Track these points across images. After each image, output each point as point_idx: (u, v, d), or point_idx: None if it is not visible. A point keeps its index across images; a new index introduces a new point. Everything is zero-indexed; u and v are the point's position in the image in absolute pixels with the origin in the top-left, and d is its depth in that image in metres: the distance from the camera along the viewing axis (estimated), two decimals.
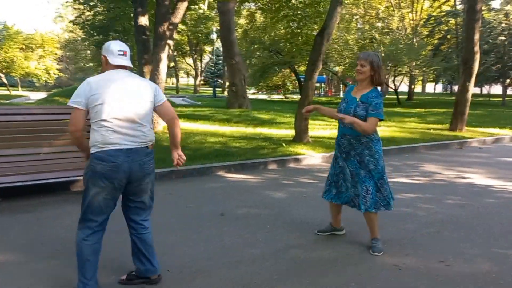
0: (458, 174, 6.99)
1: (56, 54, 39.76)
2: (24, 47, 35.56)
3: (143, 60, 10.45)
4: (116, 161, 2.72)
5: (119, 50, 2.86)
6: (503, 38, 27.03)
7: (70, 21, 26.05)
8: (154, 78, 9.86)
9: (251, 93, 38.38)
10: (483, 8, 20.33)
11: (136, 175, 2.83)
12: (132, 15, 13.37)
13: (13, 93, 35.48)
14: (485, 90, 40.12)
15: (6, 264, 3.33)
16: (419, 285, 3.10)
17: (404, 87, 42.19)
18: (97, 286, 2.84)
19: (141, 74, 10.46)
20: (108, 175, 2.72)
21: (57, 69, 40.09)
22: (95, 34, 23.03)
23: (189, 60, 48.26)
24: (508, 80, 29.43)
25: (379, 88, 3.73)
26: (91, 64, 37.25)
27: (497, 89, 38.05)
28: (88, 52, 38.63)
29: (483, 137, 11.09)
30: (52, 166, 4.91)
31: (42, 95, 31.09)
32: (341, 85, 42.31)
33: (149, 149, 2.92)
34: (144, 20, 10.49)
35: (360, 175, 3.67)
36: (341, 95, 43.80)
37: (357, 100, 3.61)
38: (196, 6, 23.28)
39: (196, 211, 4.76)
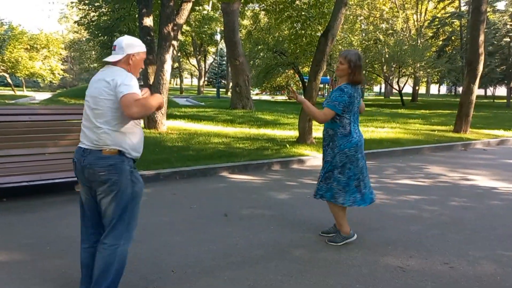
0: (463, 176, 6.97)
1: (61, 54, 39.85)
2: (29, 47, 35.67)
3: (147, 61, 10.47)
4: (74, 157, 2.71)
5: (113, 46, 2.72)
6: (508, 39, 26.97)
7: (75, 22, 26.16)
8: (158, 78, 9.90)
9: (255, 94, 38.41)
10: (488, 9, 20.28)
11: (88, 178, 2.62)
12: (137, 16, 13.42)
13: (18, 93, 35.64)
14: (490, 91, 40.04)
15: (11, 263, 3.35)
16: (423, 287, 3.10)
17: (408, 89, 42.10)
18: None
19: (146, 74, 10.49)
20: (74, 170, 2.75)
21: (62, 70, 40.19)
22: (100, 34, 23.10)
23: (193, 61, 48.37)
24: None
25: (358, 85, 3.80)
26: (95, 64, 37.33)
27: (501, 90, 37.96)
28: (93, 52, 38.73)
29: (488, 139, 11.06)
30: (57, 166, 4.94)
31: (47, 95, 31.21)
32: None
33: (102, 153, 2.57)
34: (148, 21, 10.51)
35: (325, 164, 3.90)
36: None
37: (327, 95, 3.89)
38: (200, 7, 23.35)
39: (200, 212, 4.77)
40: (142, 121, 2.80)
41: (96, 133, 2.56)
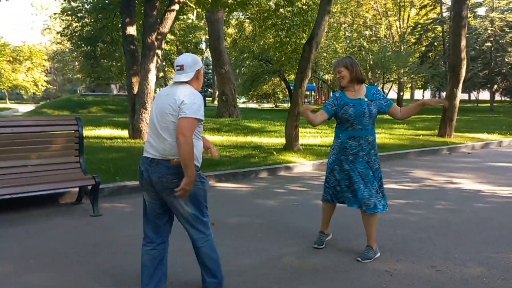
0: (448, 179, 7.04)
1: (44, 66, 39.55)
2: (11, 59, 35.30)
3: (131, 71, 10.42)
4: (141, 167, 2.88)
5: (176, 66, 2.84)
6: (489, 44, 27.46)
7: (58, 33, 25.93)
8: (142, 88, 9.85)
9: (242, 102, 38.47)
10: (469, 15, 20.64)
11: (157, 186, 2.80)
12: (120, 25, 13.36)
13: (1, 105, 35.17)
14: (473, 96, 40.67)
15: None
16: None
17: (393, 94, 42.54)
18: None
19: (130, 84, 10.43)
20: (139, 178, 2.93)
21: (45, 81, 39.84)
22: (83, 45, 22.91)
23: None
24: (495, 86, 29.85)
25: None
26: (79, 75, 36.99)
27: (485, 95, 38.59)
28: (76, 63, 38.41)
29: (472, 142, 11.20)
30: (41, 178, 4.85)
31: (30, 107, 30.85)
32: (331, 93, 42.57)
33: (170, 163, 2.75)
34: (132, 31, 10.47)
35: (368, 176, 3.69)
36: None
37: (366, 100, 3.71)
38: (184, 16, 23.34)
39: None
40: (201, 134, 2.91)
41: (162, 144, 2.76)
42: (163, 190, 2.78)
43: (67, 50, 42.59)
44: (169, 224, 3.05)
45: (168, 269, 3.06)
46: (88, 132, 11.34)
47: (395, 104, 3.79)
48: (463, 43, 11.66)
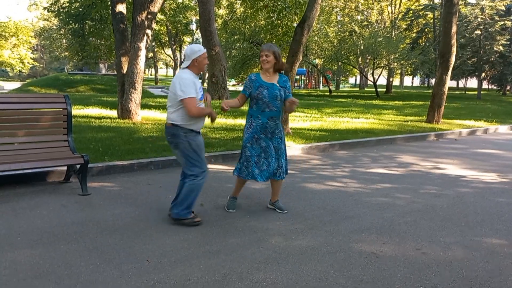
0: (435, 165, 7.13)
1: (30, 43, 38.75)
2: None
3: (120, 50, 10.27)
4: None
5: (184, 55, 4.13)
6: (479, 32, 27.56)
7: (45, 8, 25.35)
8: (132, 68, 9.72)
9: (231, 85, 38.26)
10: (460, 2, 20.65)
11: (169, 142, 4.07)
12: (109, 3, 13.12)
13: None
14: (461, 83, 40.97)
15: None
16: (396, 272, 3.16)
17: (382, 80, 42.67)
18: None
19: (119, 64, 10.29)
20: None
21: (31, 59, 39.11)
22: (70, 22, 22.46)
23: (168, 51, 47.75)
24: (483, 74, 30.07)
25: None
26: (66, 53, 36.35)
27: (473, 82, 38.91)
28: (64, 41, 37.72)
29: (459, 129, 11.33)
30: (27, 156, 4.79)
31: (16, 85, 30.37)
32: (321, 78, 42.53)
33: (166, 125, 4.01)
34: (121, 8, 10.29)
35: (281, 149, 4.36)
36: (321, 87, 44.07)
37: (278, 85, 4.23)
38: None
39: None
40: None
41: (168, 113, 3.99)
42: (171, 143, 4.07)
43: (54, 27, 41.78)
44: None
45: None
46: (76, 111, 11.21)
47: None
48: (454, 30, 11.68)
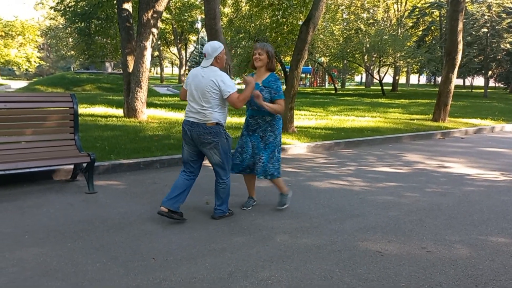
0: (440, 163, 7.11)
1: (36, 41, 38.94)
2: (3, 34, 34.73)
3: (126, 49, 10.31)
4: (184, 127, 4.03)
5: (203, 53, 3.97)
6: (485, 30, 27.36)
7: (51, 8, 25.46)
8: (138, 66, 9.76)
9: (237, 83, 38.27)
10: (466, 0, 20.54)
11: (196, 141, 3.96)
12: (115, 2, 13.15)
13: None
14: (468, 81, 40.73)
15: None
16: (401, 271, 3.16)
17: (388, 78, 42.52)
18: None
19: (125, 62, 10.34)
20: (182, 136, 4.09)
21: (38, 57, 39.30)
22: (77, 21, 22.53)
23: (174, 50, 47.77)
24: (490, 72, 29.88)
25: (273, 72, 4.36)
26: (72, 52, 36.48)
27: (479, 80, 38.67)
28: (70, 40, 37.89)
29: (465, 127, 11.28)
30: (34, 155, 4.83)
31: (23, 83, 30.54)
32: (326, 76, 42.44)
33: (207, 125, 3.89)
34: (127, 7, 10.33)
35: (259, 147, 4.28)
36: (327, 86, 43.98)
37: (260, 85, 4.19)
38: None
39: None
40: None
41: (202, 112, 3.89)
42: (201, 143, 3.94)
43: (60, 26, 41.93)
44: (199, 168, 4.20)
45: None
46: (82, 110, 11.27)
47: (280, 100, 4.23)
48: (460, 28, 11.63)
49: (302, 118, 11.83)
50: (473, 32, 27.46)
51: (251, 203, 4.60)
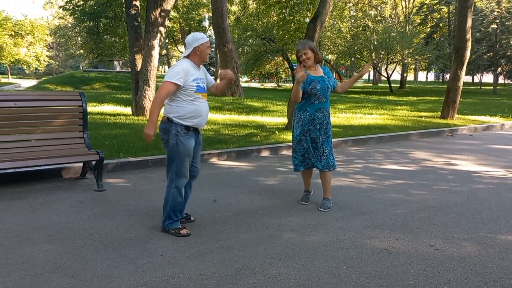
0: (449, 161, 7.07)
1: (46, 40, 39.20)
2: (13, 33, 35.01)
3: (134, 48, 10.36)
4: None
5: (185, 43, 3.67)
6: (495, 26, 27.11)
7: (60, 7, 25.63)
8: (146, 65, 9.80)
9: (244, 81, 38.27)
10: None
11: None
12: (123, 1, 13.22)
13: (3, 80, 35.13)
14: (477, 78, 40.39)
15: (0, 249, 3.34)
16: (409, 269, 3.16)
17: (396, 76, 42.28)
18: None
19: (133, 61, 10.39)
20: None
21: (47, 56, 39.58)
22: (85, 20, 22.68)
23: (181, 48, 47.83)
24: (499, 69, 29.60)
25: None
26: (81, 51, 36.69)
27: (488, 77, 38.33)
28: (79, 38, 38.13)
29: (474, 124, 11.20)
30: (44, 153, 4.88)
31: (32, 82, 30.79)
32: (334, 73, 42.29)
33: (161, 119, 3.62)
34: (135, 6, 10.37)
35: (322, 141, 4.42)
36: None
37: (325, 77, 4.40)
38: None
39: (189, 197, 4.77)
40: (199, 98, 3.65)
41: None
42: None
43: (69, 25, 42.17)
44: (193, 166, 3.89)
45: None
46: (91, 108, 11.35)
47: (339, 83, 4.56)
48: (469, 24, 11.52)
49: None
50: (482, 29, 27.21)
51: (309, 196, 4.75)
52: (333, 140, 8.12)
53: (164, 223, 3.73)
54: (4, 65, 39.45)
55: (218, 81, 4.09)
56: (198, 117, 3.63)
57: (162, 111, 3.62)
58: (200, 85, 3.62)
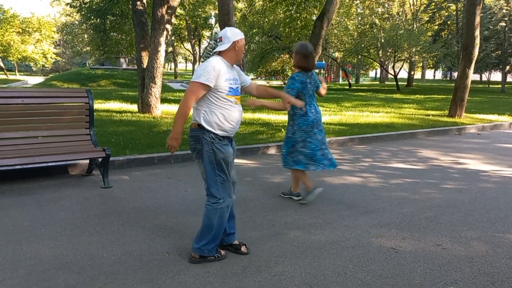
0: (456, 159, 7.02)
1: (53, 38, 39.43)
2: (21, 30, 35.23)
3: (141, 45, 10.37)
4: None
5: (218, 38, 3.17)
6: (503, 24, 26.89)
7: (67, 4, 25.72)
8: (152, 62, 9.81)
9: (250, 79, 38.20)
10: None
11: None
12: None
13: (11, 77, 35.31)
14: (485, 77, 40.09)
15: (7, 245, 3.35)
16: (415, 268, 3.14)
17: (403, 74, 42.05)
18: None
19: (140, 58, 10.40)
20: None
21: (54, 53, 39.79)
22: (92, 17, 22.73)
23: (187, 45, 47.92)
24: (508, 67, 29.35)
25: (310, 72, 4.56)
26: (88, 48, 36.83)
27: (497, 76, 38.02)
28: (86, 36, 38.26)
29: (482, 123, 11.11)
30: (51, 150, 4.90)
31: (39, 79, 30.95)
32: (340, 71, 42.15)
33: (191, 127, 3.13)
34: (142, 3, 10.38)
35: (325, 141, 4.60)
36: (340, 81, 43.71)
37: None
38: None
39: (195, 195, 4.78)
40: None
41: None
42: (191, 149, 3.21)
43: (76, 22, 42.34)
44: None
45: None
46: (98, 105, 11.39)
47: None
48: (477, 22, 11.42)
49: None
50: (491, 26, 27.01)
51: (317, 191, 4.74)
52: (339, 138, 8.15)
53: (203, 247, 3.13)
54: (12, 62, 39.68)
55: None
56: (230, 125, 3.11)
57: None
58: (233, 86, 3.11)
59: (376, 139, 8.62)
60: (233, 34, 3.09)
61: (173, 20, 10.64)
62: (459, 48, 23.48)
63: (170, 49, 42.80)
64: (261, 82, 37.86)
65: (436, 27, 34.25)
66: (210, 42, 47.23)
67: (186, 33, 41.45)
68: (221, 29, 18.91)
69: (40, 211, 4.12)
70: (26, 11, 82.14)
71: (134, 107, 11.16)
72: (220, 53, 3.11)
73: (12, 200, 4.41)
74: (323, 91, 4.76)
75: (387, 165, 6.52)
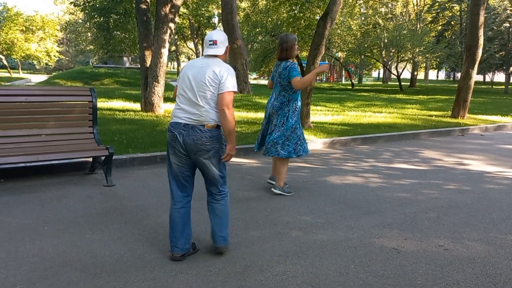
0: (459, 160, 7.01)
1: (56, 36, 39.48)
2: (24, 29, 35.31)
3: (144, 44, 10.38)
4: (173, 131, 3.12)
5: (209, 41, 3.14)
6: (507, 25, 26.79)
7: (71, 3, 25.78)
8: (155, 61, 9.82)
9: (253, 78, 38.24)
10: None
11: (190, 148, 3.08)
12: None
13: (14, 75, 35.39)
14: (488, 77, 39.97)
15: (10, 242, 3.37)
16: (417, 268, 3.14)
17: (406, 74, 41.97)
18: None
19: (143, 57, 10.41)
20: (170, 144, 3.17)
21: (57, 52, 39.87)
22: (96, 16, 22.79)
23: (191, 44, 47.91)
24: (511, 68, 29.24)
25: (280, 62, 4.93)
26: (91, 46, 36.91)
27: (500, 76, 37.92)
28: (89, 34, 38.32)
29: (485, 124, 11.08)
30: (54, 148, 4.92)
31: (43, 77, 31.01)
32: (343, 71, 42.12)
33: (205, 127, 3.06)
34: (145, 2, 10.39)
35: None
36: (343, 81, 43.67)
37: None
38: None
39: (197, 193, 4.76)
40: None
41: (198, 111, 3.05)
42: (196, 151, 3.07)
43: (80, 20, 42.45)
44: (193, 183, 3.34)
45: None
46: (101, 104, 11.40)
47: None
48: (481, 22, 11.39)
49: (319, 114, 11.78)
50: (495, 27, 26.90)
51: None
52: (341, 138, 8.15)
53: (227, 238, 3.30)
54: (15, 60, 39.76)
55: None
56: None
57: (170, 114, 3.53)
58: None
59: (379, 140, 8.61)
60: (226, 39, 3.22)
61: (177, 19, 10.65)
62: (463, 48, 23.42)
63: (173, 48, 42.82)
64: (263, 81, 37.85)
65: (440, 28, 34.15)
66: None
67: (189, 32, 41.45)
68: (224, 29, 18.90)
69: (43, 209, 4.14)
70: (29, 9, 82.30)
71: (137, 106, 11.18)
72: (216, 56, 3.17)
73: (15, 198, 4.43)
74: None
75: (389, 165, 6.52)
